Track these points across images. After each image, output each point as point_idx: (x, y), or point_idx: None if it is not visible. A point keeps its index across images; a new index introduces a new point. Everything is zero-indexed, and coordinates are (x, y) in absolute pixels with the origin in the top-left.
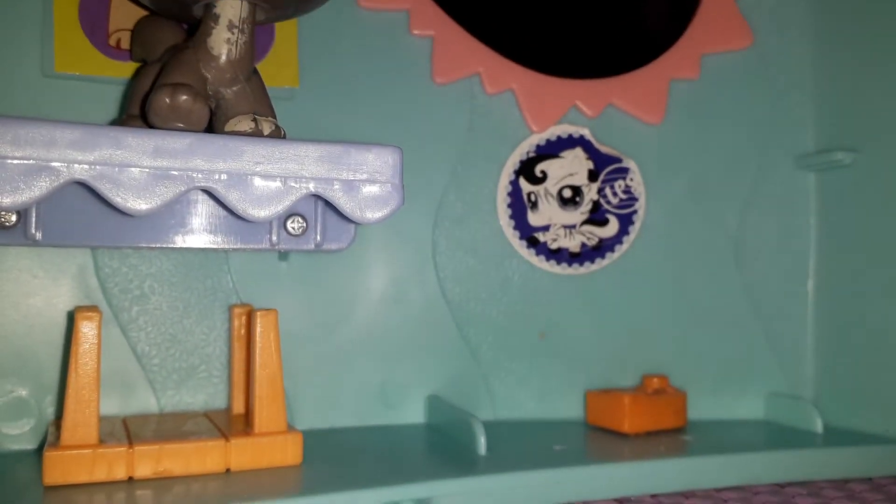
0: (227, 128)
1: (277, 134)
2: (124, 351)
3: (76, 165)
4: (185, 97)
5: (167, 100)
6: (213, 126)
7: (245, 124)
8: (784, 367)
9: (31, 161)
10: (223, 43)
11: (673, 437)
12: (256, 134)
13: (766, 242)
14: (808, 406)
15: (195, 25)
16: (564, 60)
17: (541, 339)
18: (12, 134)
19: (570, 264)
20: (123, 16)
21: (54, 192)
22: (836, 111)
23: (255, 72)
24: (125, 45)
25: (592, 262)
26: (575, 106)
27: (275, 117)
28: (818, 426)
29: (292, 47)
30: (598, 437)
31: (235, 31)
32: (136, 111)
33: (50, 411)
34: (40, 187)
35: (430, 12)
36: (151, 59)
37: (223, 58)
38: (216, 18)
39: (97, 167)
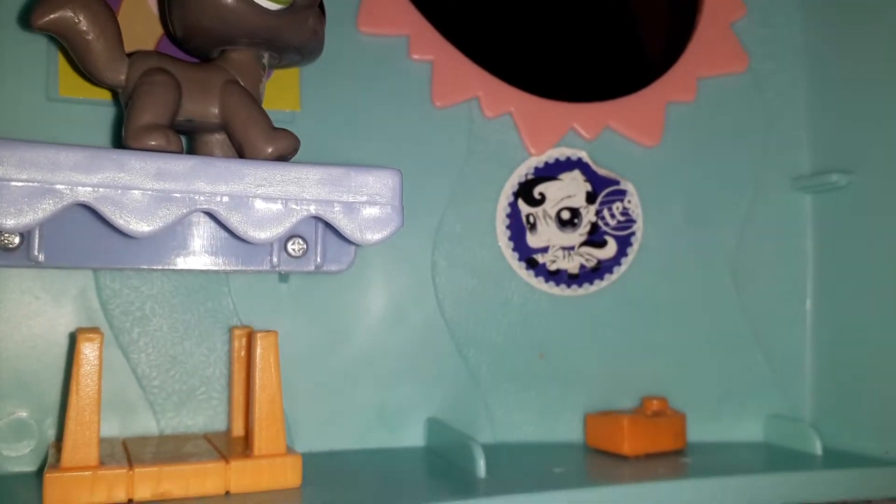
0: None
1: None
2: (125, 372)
3: (79, 188)
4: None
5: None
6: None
7: None
8: (783, 389)
9: (35, 183)
10: (264, 88)
11: (672, 459)
12: None
13: (763, 264)
14: (807, 428)
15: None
16: (562, 84)
17: (540, 358)
18: (17, 157)
19: (569, 286)
20: (126, 42)
21: (58, 214)
22: (830, 134)
23: None
24: None
25: (591, 283)
26: (572, 129)
27: None
28: (817, 448)
29: (294, 72)
30: (598, 460)
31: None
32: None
33: (51, 433)
34: (44, 209)
35: (429, 38)
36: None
37: (262, 99)
38: (265, 67)
39: (100, 189)
